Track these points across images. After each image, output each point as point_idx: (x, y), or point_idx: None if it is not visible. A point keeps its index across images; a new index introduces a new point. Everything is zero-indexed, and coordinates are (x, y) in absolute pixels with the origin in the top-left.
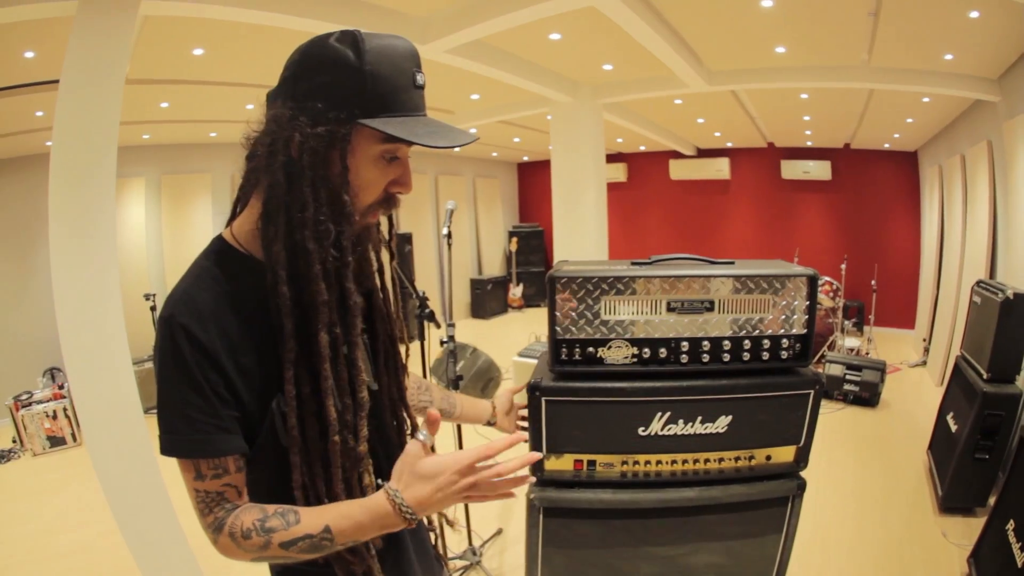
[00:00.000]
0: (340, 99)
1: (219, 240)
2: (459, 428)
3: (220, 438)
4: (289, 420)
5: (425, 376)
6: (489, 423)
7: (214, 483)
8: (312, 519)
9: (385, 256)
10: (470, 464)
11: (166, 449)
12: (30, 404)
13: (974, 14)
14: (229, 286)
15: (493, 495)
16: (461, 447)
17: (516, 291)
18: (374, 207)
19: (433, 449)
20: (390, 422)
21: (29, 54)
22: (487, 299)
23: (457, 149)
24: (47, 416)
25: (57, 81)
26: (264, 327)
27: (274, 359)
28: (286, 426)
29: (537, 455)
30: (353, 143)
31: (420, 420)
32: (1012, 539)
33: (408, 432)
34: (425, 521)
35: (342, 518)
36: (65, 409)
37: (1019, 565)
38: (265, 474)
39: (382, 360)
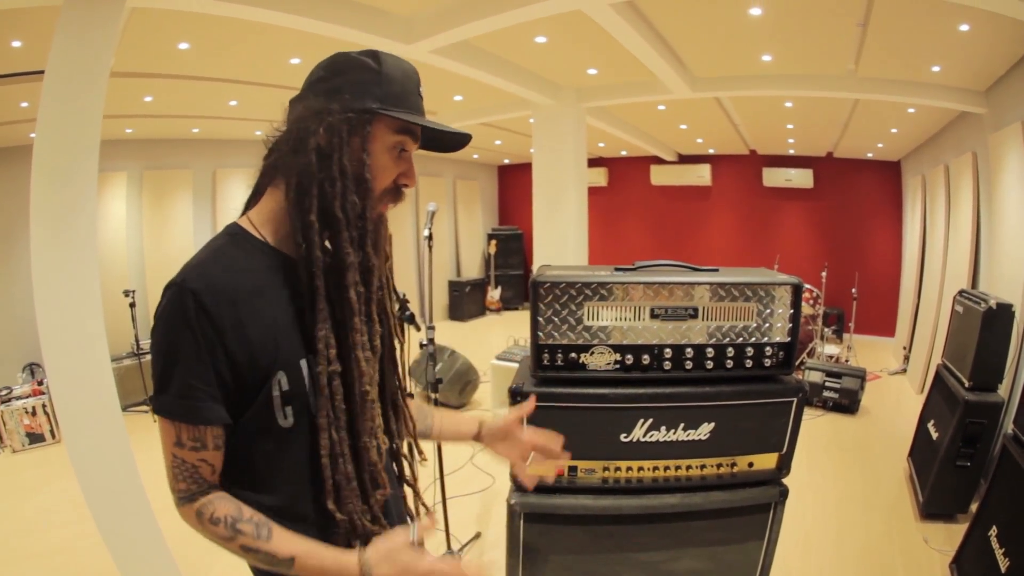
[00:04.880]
0: (363, 93)
1: (235, 225)
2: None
3: (208, 407)
4: (321, 380)
5: (404, 378)
6: (475, 439)
7: (191, 454)
8: (282, 543)
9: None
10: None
11: (156, 408)
12: (9, 400)
13: (964, 27)
14: (244, 264)
15: None
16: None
17: (494, 294)
18: (386, 194)
19: (421, 545)
20: (390, 417)
21: (16, 43)
22: (465, 301)
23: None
24: (26, 412)
25: (42, 72)
26: (274, 306)
27: (281, 337)
28: (317, 387)
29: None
30: (373, 130)
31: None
32: (995, 545)
33: (408, 426)
34: (408, 519)
35: (309, 556)
36: (44, 405)
37: (1003, 570)
38: (253, 452)
39: (385, 356)
